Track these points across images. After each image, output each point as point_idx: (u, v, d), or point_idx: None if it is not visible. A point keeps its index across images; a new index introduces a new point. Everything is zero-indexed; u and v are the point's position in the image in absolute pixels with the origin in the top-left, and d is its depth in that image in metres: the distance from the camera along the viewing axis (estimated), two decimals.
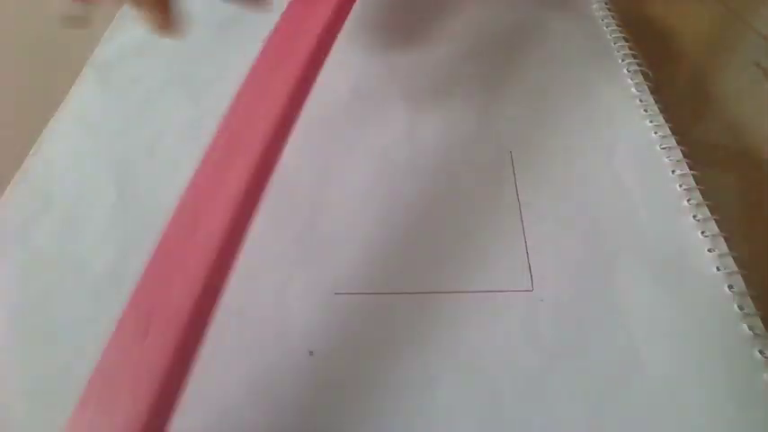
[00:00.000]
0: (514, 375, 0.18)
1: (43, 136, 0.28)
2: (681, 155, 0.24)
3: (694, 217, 0.22)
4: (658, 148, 0.25)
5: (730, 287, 0.20)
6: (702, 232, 0.22)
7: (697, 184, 0.23)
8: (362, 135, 0.27)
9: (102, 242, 0.23)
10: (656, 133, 0.25)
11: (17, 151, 0.28)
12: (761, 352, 0.18)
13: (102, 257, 0.23)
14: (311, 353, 0.19)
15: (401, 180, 0.25)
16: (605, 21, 0.33)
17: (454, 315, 0.20)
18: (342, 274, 0.22)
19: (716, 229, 0.22)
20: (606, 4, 0.34)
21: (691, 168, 0.24)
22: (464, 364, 0.19)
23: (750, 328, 0.19)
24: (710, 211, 0.22)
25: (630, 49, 0.30)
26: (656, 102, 0.27)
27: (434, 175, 0.25)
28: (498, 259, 0.22)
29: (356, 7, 0.25)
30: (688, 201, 0.23)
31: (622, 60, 0.30)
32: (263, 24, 0.22)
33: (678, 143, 0.25)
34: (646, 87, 0.28)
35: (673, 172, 0.24)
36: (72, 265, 0.22)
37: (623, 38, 0.31)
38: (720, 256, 0.21)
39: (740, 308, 0.20)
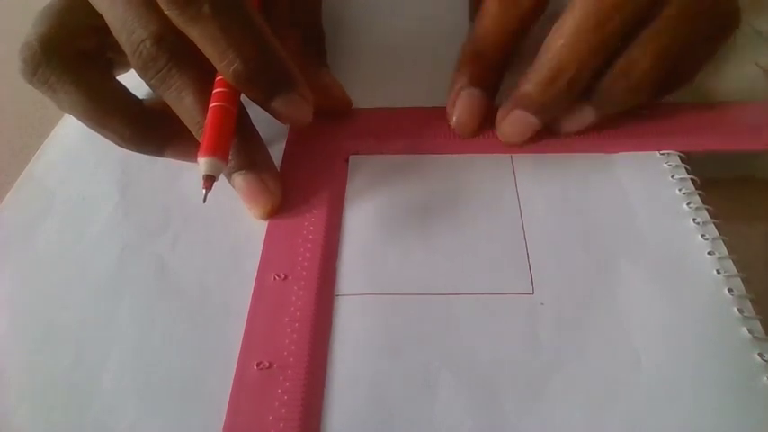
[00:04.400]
0: (514, 378, 0.19)
1: (48, 139, 0.28)
2: (679, 160, 0.24)
3: (694, 220, 0.22)
4: (658, 153, 0.25)
5: (730, 290, 0.20)
6: (702, 235, 0.22)
7: (696, 187, 0.23)
8: None
9: (105, 243, 0.23)
10: None
11: (22, 154, 0.28)
12: (760, 355, 0.19)
13: (104, 259, 0.23)
14: None
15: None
16: None
17: (454, 317, 0.20)
18: (342, 275, 0.22)
19: (715, 233, 0.22)
20: None
21: (689, 172, 0.24)
22: (464, 367, 0.19)
23: (750, 331, 0.19)
24: (710, 215, 0.22)
25: None
26: None
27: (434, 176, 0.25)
28: (499, 262, 0.22)
29: None
30: (688, 204, 0.23)
31: None
32: None
33: None
34: None
35: (672, 176, 0.24)
36: (74, 267, 0.23)
37: None
38: (720, 259, 0.21)
39: (740, 311, 0.20)
